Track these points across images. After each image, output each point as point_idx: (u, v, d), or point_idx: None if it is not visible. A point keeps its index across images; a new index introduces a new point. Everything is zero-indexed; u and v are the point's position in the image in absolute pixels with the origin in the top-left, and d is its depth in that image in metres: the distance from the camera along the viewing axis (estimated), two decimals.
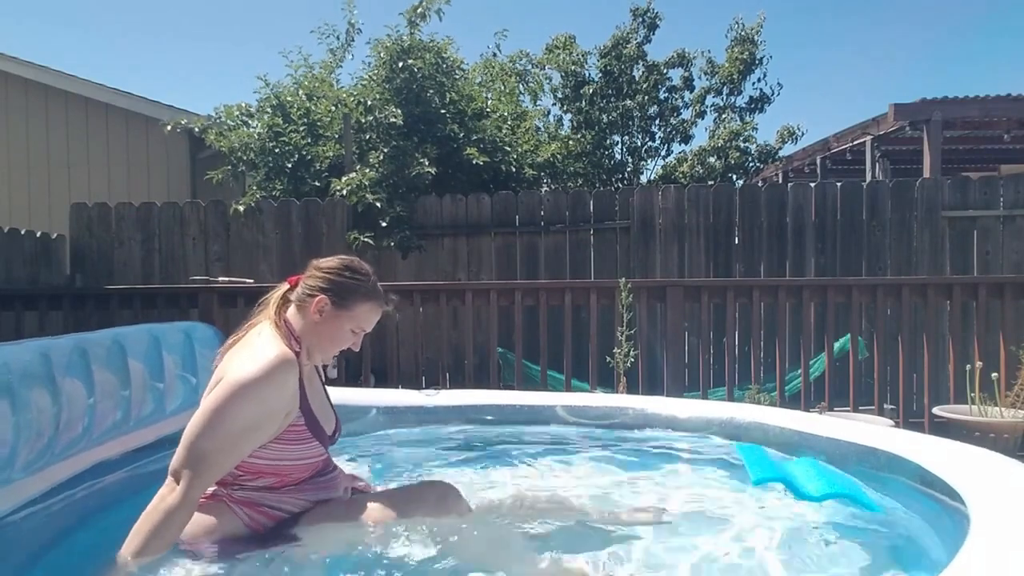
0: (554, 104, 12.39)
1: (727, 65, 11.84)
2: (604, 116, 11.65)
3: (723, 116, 12.14)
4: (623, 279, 4.83)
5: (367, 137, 7.19)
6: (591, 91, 11.69)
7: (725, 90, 12.08)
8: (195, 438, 1.74)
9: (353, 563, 1.87)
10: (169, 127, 7.60)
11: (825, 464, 2.30)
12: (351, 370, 5.34)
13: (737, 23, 11.89)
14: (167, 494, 1.72)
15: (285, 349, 1.83)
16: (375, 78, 7.54)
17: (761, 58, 11.88)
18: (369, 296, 2.00)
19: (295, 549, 1.84)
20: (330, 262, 2.00)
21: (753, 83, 12.08)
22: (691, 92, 12.16)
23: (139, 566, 1.67)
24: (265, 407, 1.79)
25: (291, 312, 1.97)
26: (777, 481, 2.04)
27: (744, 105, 12.21)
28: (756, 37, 11.80)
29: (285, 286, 2.00)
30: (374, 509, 1.93)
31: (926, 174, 8.16)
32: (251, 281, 5.68)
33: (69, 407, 2.05)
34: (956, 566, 1.37)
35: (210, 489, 1.85)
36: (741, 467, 2.73)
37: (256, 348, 1.83)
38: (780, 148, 12.00)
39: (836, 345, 5.01)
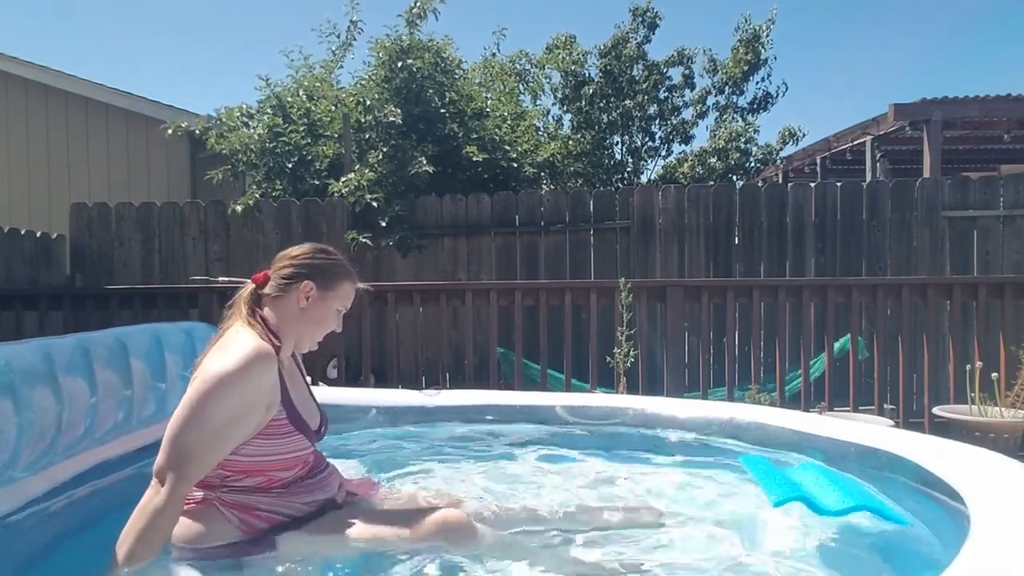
0: (554, 104, 12.39)
1: (731, 65, 11.81)
2: (604, 116, 11.64)
3: (724, 117, 12.12)
4: (623, 279, 4.83)
5: (367, 137, 7.20)
6: (591, 91, 11.68)
7: (728, 89, 12.05)
8: (176, 435, 1.73)
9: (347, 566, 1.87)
10: (170, 131, 7.60)
11: (829, 469, 2.30)
12: (351, 370, 5.35)
13: (746, 20, 11.82)
14: (152, 496, 1.71)
15: (262, 343, 1.83)
16: (374, 78, 7.54)
17: (766, 58, 11.84)
18: (348, 274, 2.06)
19: (288, 558, 1.84)
20: (302, 249, 2.03)
21: (757, 82, 12.06)
22: (691, 91, 12.14)
23: (131, 570, 1.66)
24: (244, 399, 1.78)
25: (269, 305, 1.97)
26: (796, 500, 2.04)
27: (746, 105, 12.19)
28: (764, 36, 11.70)
29: (251, 284, 2.00)
30: (374, 527, 1.91)
31: (926, 174, 8.17)
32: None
33: (71, 407, 2.05)
34: (957, 567, 1.37)
35: (199, 494, 1.84)
36: (739, 467, 2.73)
37: (232, 345, 1.83)
38: (781, 149, 11.99)
39: (836, 345, 5.02)
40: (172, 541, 1.80)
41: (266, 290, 1.98)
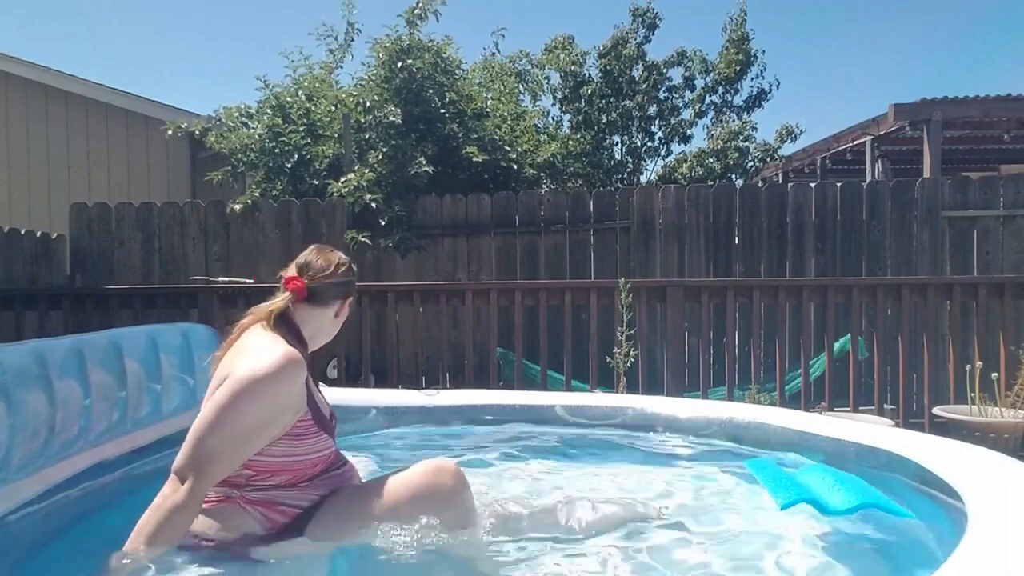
0: (553, 104, 12.39)
1: (722, 65, 11.82)
2: (604, 116, 11.64)
3: (722, 116, 12.12)
4: (623, 279, 4.83)
5: (366, 137, 7.20)
6: (590, 91, 11.68)
7: (721, 89, 12.06)
8: (203, 435, 1.72)
9: (363, 554, 1.87)
10: (170, 132, 7.61)
11: (835, 470, 2.30)
12: (351, 370, 5.34)
13: (731, 19, 11.87)
14: (171, 493, 1.70)
15: (291, 348, 1.84)
16: (374, 78, 7.54)
17: (755, 53, 11.85)
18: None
19: (307, 546, 1.83)
20: (342, 264, 2.04)
21: (751, 80, 12.06)
22: (691, 92, 12.14)
23: (142, 566, 1.65)
24: (275, 405, 1.78)
25: (300, 313, 1.97)
26: (803, 502, 2.03)
27: (742, 103, 12.19)
28: (743, 27, 11.73)
29: (288, 295, 1.96)
30: (374, 496, 1.90)
31: (926, 174, 8.16)
32: (251, 281, 5.67)
33: (65, 408, 2.04)
34: (951, 564, 1.37)
35: (222, 492, 1.83)
36: (740, 467, 2.73)
37: (262, 348, 1.82)
38: (779, 147, 11.98)
39: (836, 345, 5.00)
40: (196, 536, 1.80)
41: (304, 297, 1.97)
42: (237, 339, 1.92)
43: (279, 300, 1.96)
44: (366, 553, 1.89)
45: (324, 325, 2.04)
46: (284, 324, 1.94)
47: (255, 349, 1.83)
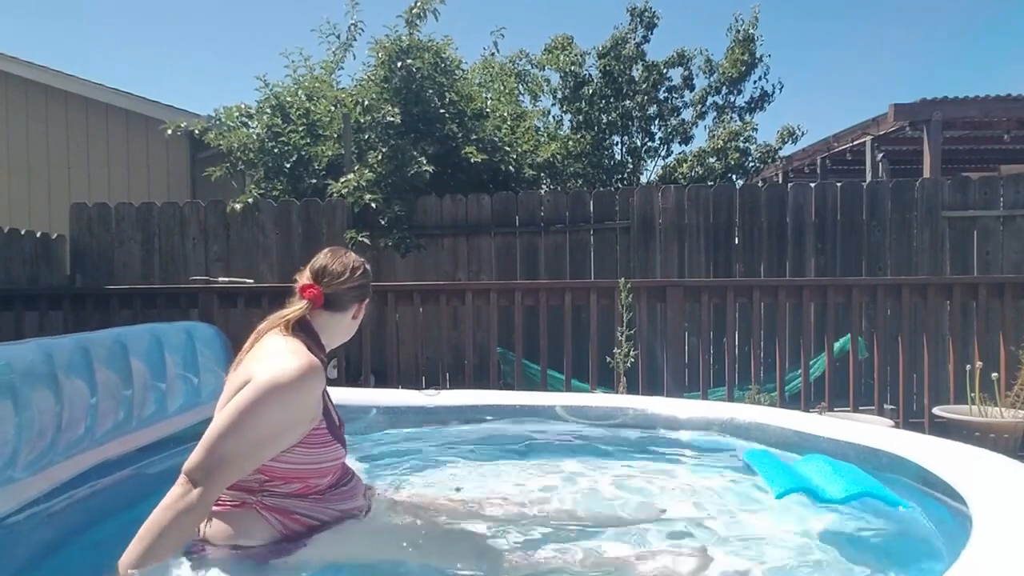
0: (553, 104, 12.39)
1: (727, 65, 11.82)
2: (603, 116, 11.64)
3: (723, 116, 12.12)
4: (623, 279, 4.84)
5: (366, 137, 7.20)
6: (590, 91, 11.68)
7: (724, 90, 12.06)
8: (219, 439, 1.70)
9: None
10: (170, 131, 7.61)
11: (833, 460, 2.30)
12: (351, 370, 5.35)
13: (737, 20, 11.87)
14: (182, 495, 1.67)
15: (312, 357, 1.83)
16: (374, 78, 7.54)
17: (761, 56, 11.85)
18: None
19: (322, 558, 1.83)
20: (357, 267, 2.03)
21: (754, 82, 12.06)
22: (691, 92, 12.14)
23: (147, 569, 1.63)
24: (291, 412, 1.77)
25: (317, 319, 1.97)
26: (799, 491, 2.04)
27: (744, 104, 12.19)
28: (752, 31, 11.73)
29: (305, 303, 1.95)
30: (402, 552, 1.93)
31: (926, 174, 8.17)
32: (251, 281, 5.68)
33: (71, 407, 2.05)
34: (960, 567, 1.37)
35: (238, 497, 1.82)
36: (740, 466, 2.74)
37: (283, 355, 1.81)
38: (780, 148, 11.98)
39: (836, 345, 5.02)
40: (211, 539, 1.80)
41: (323, 303, 1.96)
42: (255, 344, 1.91)
43: (296, 309, 1.94)
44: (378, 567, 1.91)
45: (342, 328, 2.04)
46: (303, 330, 1.93)
47: (276, 356, 1.82)
